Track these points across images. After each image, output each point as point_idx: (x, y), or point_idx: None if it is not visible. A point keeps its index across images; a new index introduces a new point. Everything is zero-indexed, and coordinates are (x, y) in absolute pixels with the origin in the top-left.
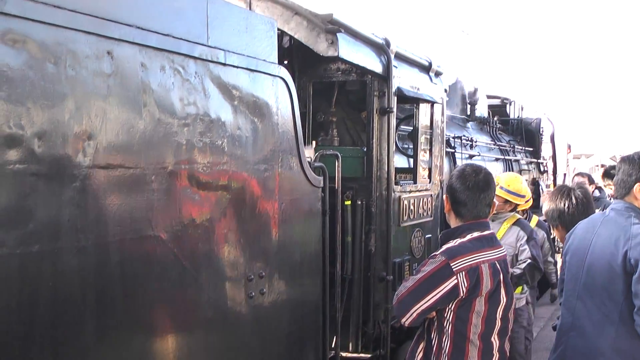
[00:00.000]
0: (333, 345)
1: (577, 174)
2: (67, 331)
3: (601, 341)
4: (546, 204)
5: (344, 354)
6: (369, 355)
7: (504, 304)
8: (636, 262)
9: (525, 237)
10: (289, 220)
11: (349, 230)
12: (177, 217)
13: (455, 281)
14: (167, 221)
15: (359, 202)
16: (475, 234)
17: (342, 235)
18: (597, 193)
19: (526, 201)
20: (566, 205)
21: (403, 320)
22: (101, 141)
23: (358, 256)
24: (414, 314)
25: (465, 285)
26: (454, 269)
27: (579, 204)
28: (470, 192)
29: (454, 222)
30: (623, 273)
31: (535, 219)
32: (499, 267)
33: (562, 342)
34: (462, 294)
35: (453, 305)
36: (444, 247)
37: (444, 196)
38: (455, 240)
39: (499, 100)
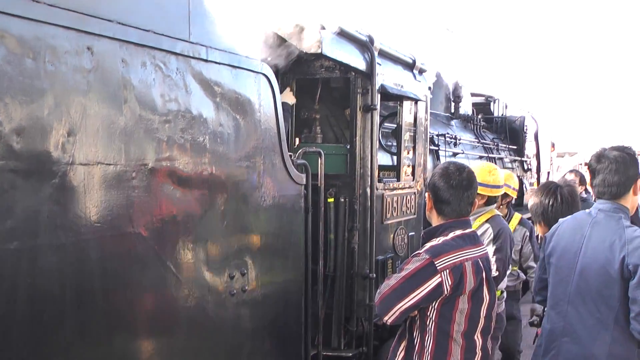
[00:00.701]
0: (315, 343)
1: (571, 171)
2: (46, 329)
3: (596, 347)
4: (531, 199)
5: (326, 352)
6: (352, 353)
7: (487, 302)
8: (635, 268)
9: (492, 236)
10: (271, 218)
11: (331, 227)
12: (157, 214)
13: (440, 279)
14: (148, 218)
15: (342, 200)
16: (458, 232)
17: (325, 233)
18: (583, 194)
19: (510, 190)
20: (550, 202)
21: (385, 318)
22: (81, 137)
23: (341, 254)
24: (397, 313)
25: (450, 283)
26: (438, 267)
27: (563, 202)
28: (454, 191)
29: (435, 220)
30: (620, 278)
31: (517, 216)
32: (481, 265)
33: (553, 347)
34: (446, 292)
35: (436, 304)
36: (428, 245)
37: (426, 194)
38: (438, 239)
39: (483, 98)
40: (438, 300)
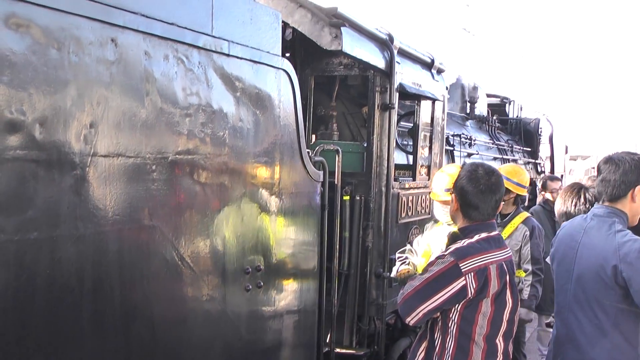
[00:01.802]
0: (327, 341)
1: (589, 177)
2: (64, 319)
3: (596, 353)
4: (558, 201)
5: (338, 350)
6: (363, 352)
7: (510, 306)
8: (629, 278)
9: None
10: (288, 214)
11: (346, 225)
12: (176, 207)
13: (464, 282)
14: (166, 211)
15: (358, 198)
16: (484, 235)
17: (339, 231)
18: None
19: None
20: (574, 202)
21: (408, 319)
22: (102, 129)
23: (355, 252)
24: (420, 314)
25: (474, 286)
26: (462, 270)
27: (587, 203)
28: (483, 196)
29: (461, 222)
30: (614, 284)
31: (523, 215)
32: (505, 268)
33: (559, 353)
34: (469, 295)
35: (459, 306)
36: (453, 247)
37: (452, 196)
38: (463, 241)
39: (499, 99)
40: (461, 303)
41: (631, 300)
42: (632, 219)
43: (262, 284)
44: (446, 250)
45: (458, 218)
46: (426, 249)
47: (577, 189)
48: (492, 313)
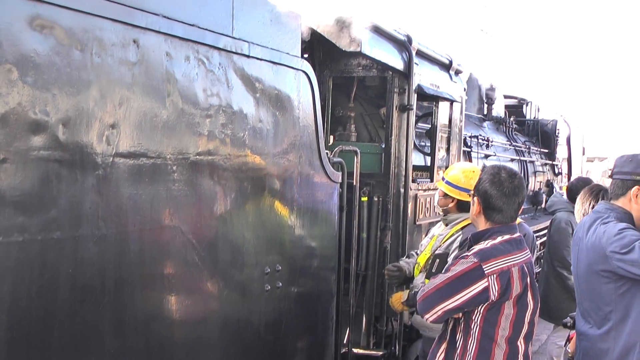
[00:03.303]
0: (345, 341)
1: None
2: (86, 317)
3: (605, 344)
4: (577, 202)
5: (355, 350)
6: (381, 353)
7: (531, 307)
8: (616, 269)
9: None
10: (306, 215)
11: (364, 226)
12: (197, 207)
13: (486, 284)
14: (187, 211)
15: (376, 199)
16: (506, 237)
17: (357, 232)
18: None
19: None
20: (592, 204)
21: (427, 316)
22: (124, 129)
23: (373, 253)
24: (440, 312)
25: (496, 288)
26: (485, 272)
27: None
28: (507, 199)
29: (483, 225)
30: (610, 274)
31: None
32: (526, 269)
33: (578, 346)
34: (492, 298)
35: (482, 308)
36: (476, 248)
37: (474, 199)
38: (486, 242)
39: (516, 100)
40: (484, 305)
41: (628, 282)
42: (638, 221)
43: (280, 284)
44: (469, 251)
45: (480, 221)
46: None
47: (597, 191)
48: (514, 315)
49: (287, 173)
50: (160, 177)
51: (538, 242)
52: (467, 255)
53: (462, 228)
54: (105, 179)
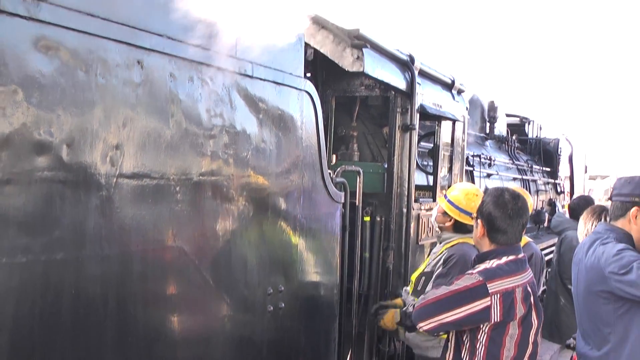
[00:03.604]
0: None
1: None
2: (89, 338)
3: None
4: (580, 222)
5: None
6: None
7: (535, 326)
8: (615, 290)
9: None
10: (309, 235)
11: (366, 246)
12: (199, 228)
13: (488, 303)
14: (190, 232)
15: (378, 219)
16: (511, 257)
17: (360, 251)
18: None
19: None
20: (593, 225)
21: (421, 324)
22: (128, 150)
23: (375, 273)
24: (435, 323)
25: (499, 309)
26: (489, 291)
27: None
28: (511, 220)
29: (487, 246)
30: (609, 295)
31: (524, 240)
32: (529, 289)
33: None
34: (494, 318)
35: (487, 328)
36: (481, 266)
37: (478, 221)
38: (491, 262)
39: (518, 119)
40: (488, 325)
41: (627, 303)
42: (637, 242)
43: (283, 305)
44: (474, 269)
45: (484, 243)
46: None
47: (599, 212)
48: (519, 335)
49: (290, 193)
50: (164, 198)
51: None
52: (472, 272)
53: (451, 246)
54: (108, 200)
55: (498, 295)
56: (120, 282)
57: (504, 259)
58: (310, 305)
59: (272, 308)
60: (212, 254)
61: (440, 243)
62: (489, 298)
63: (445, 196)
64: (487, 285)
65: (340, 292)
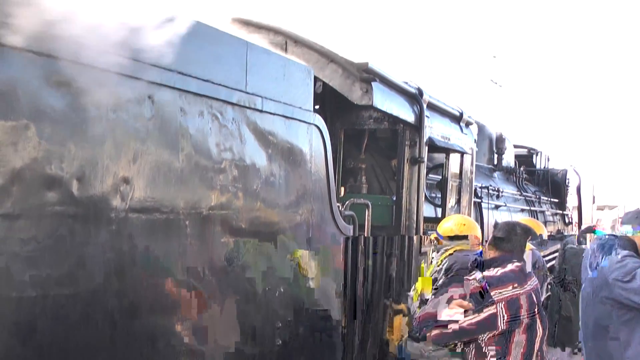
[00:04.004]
0: None
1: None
2: None
3: None
4: (586, 252)
5: None
6: None
7: (540, 334)
8: (620, 295)
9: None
10: (318, 269)
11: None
12: (209, 262)
13: (494, 310)
14: (199, 266)
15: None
16: (515, 264)
17: (371, 287)
18: None
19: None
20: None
21: (430, 334)
22: (138, 185)
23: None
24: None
25: (505, 317)
26: (494, 299)
27: None
28: (517, 236)
29: (492, 253)
30: (612, 301)
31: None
32: (534, 298)
33: None
34: (500, 326)
35: (495, 337)
36: (485, 273)
37: (486, 248)
38: (495, 270)
39: (526, 150)
40: (494, 333)
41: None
42: None
43: (291, 338)
44: (476, 274)
45: (489, 251)
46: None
47: (609, 246)
48: (525, 343)
49: (299, 227)
50: (173, 232)
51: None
52: (475, 277)
53: (450, 254)
54: (118, 234)
55: (503, 303)
56: (131, 317)
57: (509, 267)
58: (320, 339)
59: (280, 342)
60: (221, 286)
61: (437, 252)
62: (494, 306)
63: (437, 231)
64: (491, 293)
65: (347, 326)
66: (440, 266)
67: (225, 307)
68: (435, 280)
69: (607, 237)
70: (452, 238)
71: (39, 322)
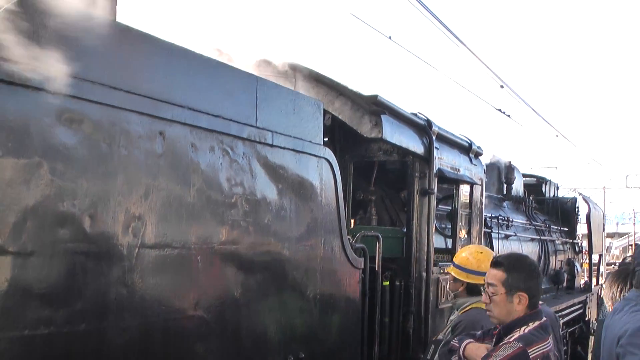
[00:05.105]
0: None
1: None
2: None
3: None
4: (605, 286)
5: None
6: None
7: None
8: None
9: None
10: (329, 302)
11: (386, 311)
12: (220, 296)
13: None
14: (211, 301)
15: (398, 283)
16: (537, 323)
17: (380, 316)
18: None
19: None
20: (619, 289)
21: None
22: (150, 221)
23: (395, 338)
24: None
25: None
26: (530, 356)
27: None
28: (539, 283)
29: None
30: None
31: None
32: (556, 354)
33: None
34: None
35: None
36: (515, 334)
37: (519, 295)
38: (522, 329)
39: (535, 179)
40: None
41: None
42: None
43: None
44: (511, 337)
45: (512, 311)
46: None
47: (624, 275)
48: None
49: (310, 260)
50: (185, 267)
51: (561, 322)
52: (509, 341)
53: (463, 313)
54: (130, 271)
55: None
56: (143, 353)
57: (532, 325)
58: None
59: None
60: (233, 322)
61: (457, 310)
62: None
63: (453, 262)
64: (528, 351)
65: (362, 357)
66: (452, 323)
67: (237, 341)
68: (440, 341)
69: (633, 297)
70: (470, 290)
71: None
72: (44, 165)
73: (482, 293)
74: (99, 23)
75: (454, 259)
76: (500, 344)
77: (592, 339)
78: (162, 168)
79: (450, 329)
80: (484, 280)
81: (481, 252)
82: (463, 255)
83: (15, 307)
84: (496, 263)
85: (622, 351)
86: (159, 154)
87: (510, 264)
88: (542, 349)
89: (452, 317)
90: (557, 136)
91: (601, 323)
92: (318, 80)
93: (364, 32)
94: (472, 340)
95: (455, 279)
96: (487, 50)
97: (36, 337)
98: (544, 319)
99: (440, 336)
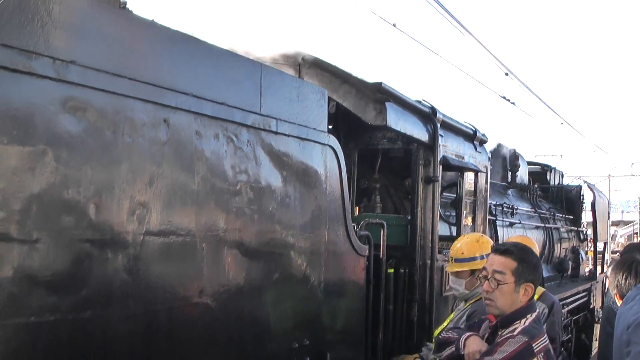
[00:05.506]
0: None
1: None
2: None
3: None
4: (610, 273)
5: None
6: None
7: None
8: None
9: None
10: (334, 289)
11: (391, 298)
12: (225, 284)
13: None
14: (216, 288)
15: (402, 271)
16: (534, 315)
17: (384, 304)
18: None
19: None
20: (624, 276)
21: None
22: (155, 208)
23: (400, 325)
24: None
25: None
26: (535, 350)
27: (638, 278)
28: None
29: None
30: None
31: (539, 290)
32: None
33: None
34: None
35: None
36: (518, 327)
37: (527, 287)
38: (522, 321)
39: (540, 167)
40: None
41: None
42: None
43: (308, 359)
44: (514, 330)
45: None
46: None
47: (629, 263)
48: None
49: (315, 247)
50: (190, 255)
51: (565, 310)
52: (513, 335)
53: (474, 302)
54: (135, 258)
55: (542, 354)
56: (147, 341)
57: (530, 318)
58: (336, 358)
59: None
60: (238, 309)
61: (464, 301)
62: (536, 358)
63: (451, 258)
64: (532, 345)
65: (366, 345)
66: (464, 312)
67: (242, 328)
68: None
69: None
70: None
71: (55, 347)
72: (48, 153)
73: (480, 280)
74: (104, 9)
75: (450, 254)
76: (503, 337)
77: (597, 327)
78: (167, 156)
79: (464, 317)
80: (487, 267)
81: (477, 240)
82: (458, 246)
83: (21, 294)
84: (506, 251)
85: (627, 339)
86: (163, 142)
87: (520, 252)
88: (544, 343)
89: (459, 307)
90: (562, 124)
91: (606, 309)
92: (322, 67)
93: (368, 19)
94: (474, 333)
95: (456, 274)
96: (492, 37)
97: (42, 324)
98: (537, 310)
99: (450, 325)
